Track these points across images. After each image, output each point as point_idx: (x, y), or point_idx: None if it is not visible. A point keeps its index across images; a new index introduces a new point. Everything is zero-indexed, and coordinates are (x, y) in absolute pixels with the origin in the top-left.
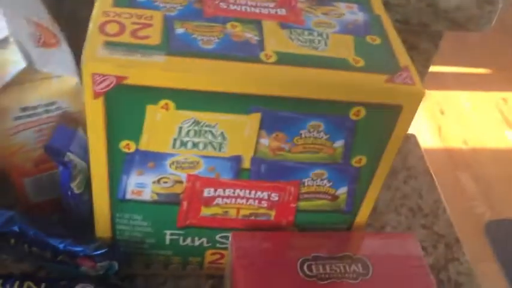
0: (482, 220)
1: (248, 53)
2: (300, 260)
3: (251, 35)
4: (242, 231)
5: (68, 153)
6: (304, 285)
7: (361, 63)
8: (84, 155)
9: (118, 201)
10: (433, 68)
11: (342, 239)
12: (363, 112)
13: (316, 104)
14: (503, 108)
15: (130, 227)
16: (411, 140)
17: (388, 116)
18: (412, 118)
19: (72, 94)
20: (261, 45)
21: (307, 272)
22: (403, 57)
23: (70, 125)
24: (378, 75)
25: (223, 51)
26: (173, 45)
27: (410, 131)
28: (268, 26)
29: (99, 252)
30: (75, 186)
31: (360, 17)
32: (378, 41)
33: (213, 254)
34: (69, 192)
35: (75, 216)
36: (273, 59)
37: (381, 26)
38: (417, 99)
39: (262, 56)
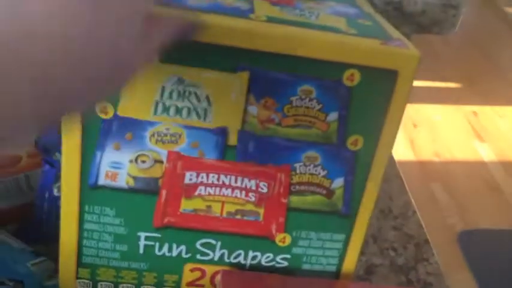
0: (454, 230)
1: (238, 13)
2: None
3: (241, 4)
4: (232, 271)
5: (57, 153)
6: None
7: (354, 31)
8: None
9: (88, 190)
10: None
11: (333, 285)
12: (357, 76)
13: (307, 65)
14: (473, 121)
15: (101, 226)
16: None
17: (384, 83)
18: (409, 87)
19: None
20: (251, 10)
21: None
22: (395, 32)
23: None
24: (372, 39)
25: (213, 9)
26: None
27: None
28: (258, 1)
29: None
30: (56, 188)
31: (350, 9)
32: (369, 23)
33: (193, 270)
34: (47, 194)
35: (41, 223)
36: (263, 19)
37: (371, 16)
38: (413, 62)
39: (252, 16)
